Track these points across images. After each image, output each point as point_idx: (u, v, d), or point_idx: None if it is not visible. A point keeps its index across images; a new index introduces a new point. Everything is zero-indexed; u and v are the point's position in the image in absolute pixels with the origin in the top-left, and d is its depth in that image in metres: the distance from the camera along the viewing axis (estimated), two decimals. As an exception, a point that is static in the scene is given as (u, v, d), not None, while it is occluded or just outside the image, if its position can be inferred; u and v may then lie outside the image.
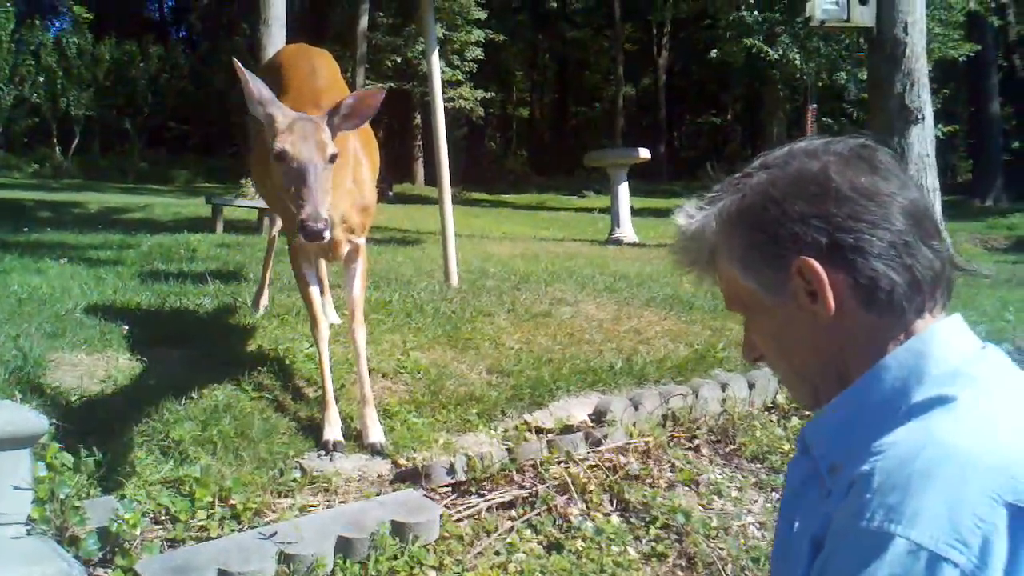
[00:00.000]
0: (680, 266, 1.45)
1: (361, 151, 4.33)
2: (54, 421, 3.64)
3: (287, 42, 12.46)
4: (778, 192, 1.27)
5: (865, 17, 11.31)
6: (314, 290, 4.34)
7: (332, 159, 3.49)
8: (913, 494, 1.02)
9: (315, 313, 4.29)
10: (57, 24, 36.22)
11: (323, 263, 5.38)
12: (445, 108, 7.40)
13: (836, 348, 1.26)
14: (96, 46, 31.62)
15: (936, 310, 1.26)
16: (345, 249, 4.22)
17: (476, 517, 3.71)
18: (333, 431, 4.03)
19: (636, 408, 4.58)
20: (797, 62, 22.82)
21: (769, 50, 22.74)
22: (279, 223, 5.96)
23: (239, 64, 3.62)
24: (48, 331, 4.80)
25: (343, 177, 4.01)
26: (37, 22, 31.59)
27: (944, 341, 1.22)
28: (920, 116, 10.86)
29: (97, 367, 4.44)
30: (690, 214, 1.40)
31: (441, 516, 3.56)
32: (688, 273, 1.45)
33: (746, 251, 1.31)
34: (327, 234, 3.30)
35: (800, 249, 1.23)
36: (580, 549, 3.57)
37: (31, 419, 3.06)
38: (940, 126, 18.70)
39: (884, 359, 1.22)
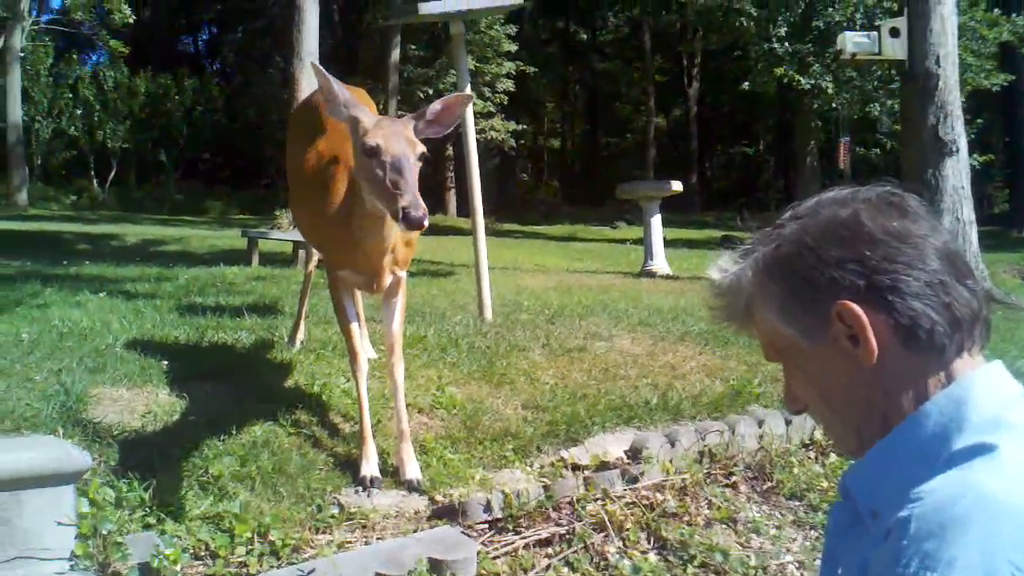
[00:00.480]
0: (717, 320, 1.48)
1: None
2: (96, 457, 3.69)
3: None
4: (812, 239, 1.29)
5: (897, 50, 11.30)
6: (354, 325, 4.34)
7: (421, 157, 3.56)
8: (949, 542, 1.02)
9: (355, 347, 4.29)
10: (94, 58, 36.86)
11: (359, 297, 5.41)
12: (476, 140, 7.45)
13: (879, 391, 1.27)
14: (132, 79, 32.14)
15: (975, 350, 1.27)
16: (388, 281, 4.23)
17: (513, 555, 3.70)
18: (370, 467, 4.04)
19: (672, 445, 4.56)
20: (830, 91, 22.80)
21: (801, 79, 22.74)
22: (315, 258, 6.00)
23: (319, 67, 3.71)
24: (89, 366, 4.86)
25: None
26: (75, 56, 32.20)
27: (985, 387, 1.22)
28: (954, 148, 10.81)
29: (137, 402, 4.48)
30: (724, 268, 1.43)
31: (478, 553, 3.55)
32: (726, 327, 1.48)
33: (784, 299, 1.33)
34: (426, 221, 3.34)
35: (838, 293, 1.25)
36: (618, 588, 3.55)
37: (75, 456, 3.10)
38: (976, 156, 18.61)
39: (924, 406, 1.22)
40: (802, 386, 1.39)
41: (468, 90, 7.39)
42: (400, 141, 3.51)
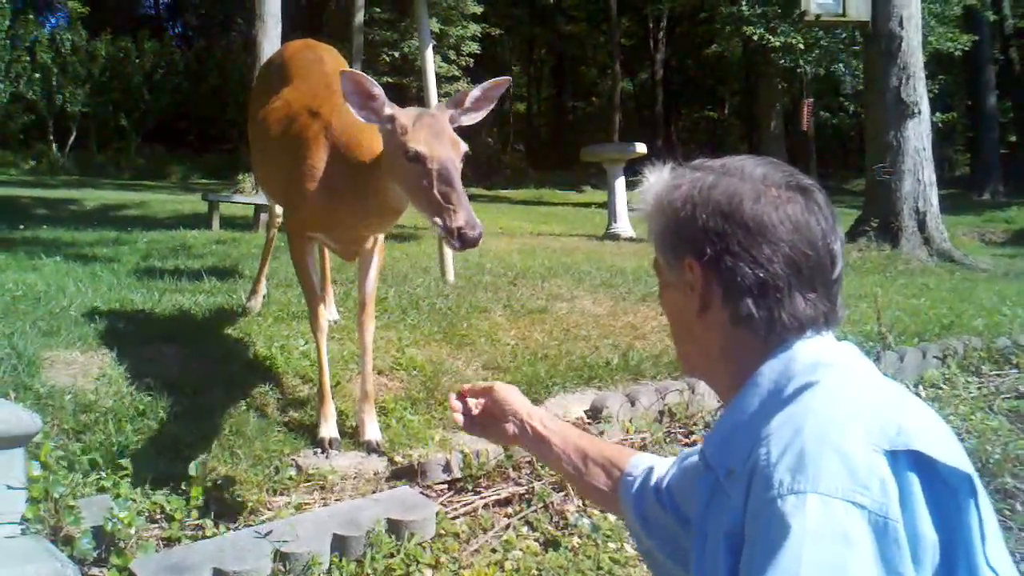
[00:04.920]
0: (639, 216, 1.64)
1: None
2: (48, 420, 3.64)
3: (283, 38, 12.44)
4: (699, 197, 1.46)
5: (861, 11, 11.32)
6: (316, 285, 4.24)
7: (464, 157, 3.25)
8: (810, 457, 1.18)
9: (316, 307, 4.20)
10: (52, 20, 36.06)
11: (328, 257, 5.36)
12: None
13: (712, 343, 1.49)
14: (91, 42, 31.50)
15: (806, 336, 1.43)
16: (370, 244, 4.16)
17: (472, 514, 3.70)
18: (329, 428, 4.00)
19: (632, 404, 4.58)
20: (802, 46, 22.76)
21: (771, 37, 22.68)
22: (278, 219, 5.90)
23: (352, 71, 3.30)
24: (43, 329, 4.78)
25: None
26: (32, 18, 31.49)
27: (804, 343, 1.40)
28: (916, 110, 10.88)
29: (92, 365, 4.42)
30: (648, 177, 1.61)
31: (437, 514, 3.55)
32: (643, 221, 1.63)
33: (660, 233, 1.54)
34: (481, 240, 3.08)
35: (694, 251, 1.45)
36: (576, 546, 3.55)
37: (24, 418, 3.04)
38: (938, 114, 18.70)
39: (759, 370, 1.40)
40: (664, 303, 1.63)
41: (430, 52, 7.31)
42: (444, 144, 3.18)
